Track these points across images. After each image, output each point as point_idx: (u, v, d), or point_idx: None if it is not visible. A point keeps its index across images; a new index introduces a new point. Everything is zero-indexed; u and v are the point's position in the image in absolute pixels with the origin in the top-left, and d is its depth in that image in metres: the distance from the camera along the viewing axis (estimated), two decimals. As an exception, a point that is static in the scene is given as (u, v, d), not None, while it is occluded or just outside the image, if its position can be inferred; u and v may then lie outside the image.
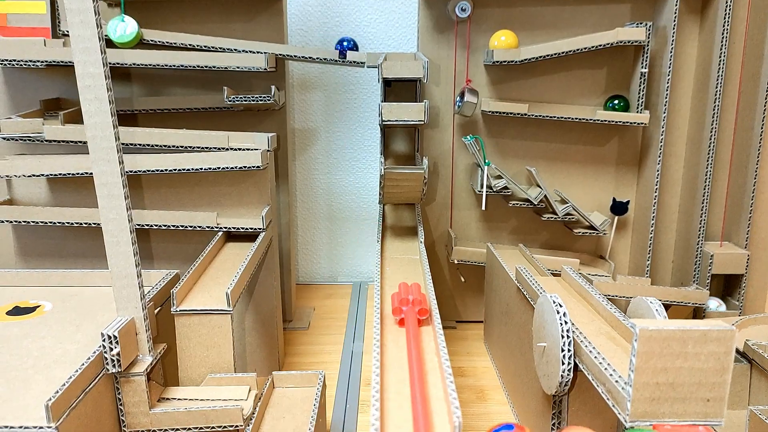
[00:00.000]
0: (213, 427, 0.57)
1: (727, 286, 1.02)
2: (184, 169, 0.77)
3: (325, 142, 1.21)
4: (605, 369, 0.46)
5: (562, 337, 0.51)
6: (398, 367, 0.45)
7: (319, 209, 1.24)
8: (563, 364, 0.51)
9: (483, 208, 0.95)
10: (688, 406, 0.42)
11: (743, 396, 0.78)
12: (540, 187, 0.95)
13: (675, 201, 1.00)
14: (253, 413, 0.58)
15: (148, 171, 0.76)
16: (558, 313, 0.52)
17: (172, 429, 0.57)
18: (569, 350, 0.51)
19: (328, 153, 1.21)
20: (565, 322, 0.52)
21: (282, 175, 0.98)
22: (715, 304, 0.98)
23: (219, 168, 0.76)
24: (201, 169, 0.76)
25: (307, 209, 1.24)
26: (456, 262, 0.99)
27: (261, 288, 0.83)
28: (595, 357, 0.48)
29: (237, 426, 0.57)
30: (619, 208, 0.99)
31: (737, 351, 0.80)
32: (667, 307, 0.98)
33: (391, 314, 0.53)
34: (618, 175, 1.01)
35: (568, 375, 0.52)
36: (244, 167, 0.76)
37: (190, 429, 0.57)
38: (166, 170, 0.76)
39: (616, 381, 0.44)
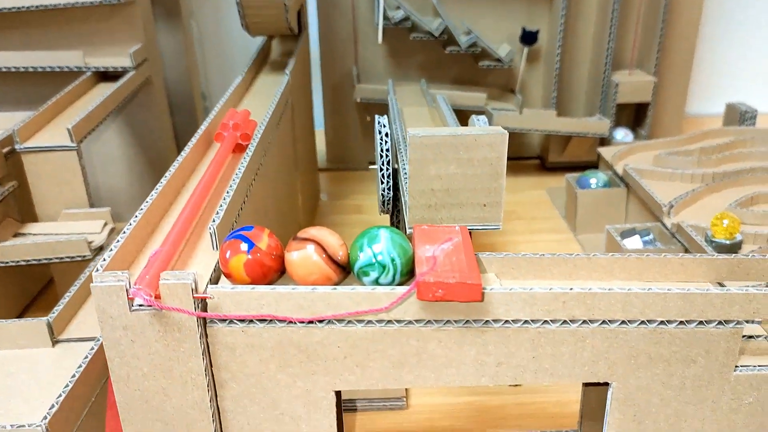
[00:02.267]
0: (62, 258, 0.59)
1: (637, 116, 1.01)
2: (42, 6, 0.73)
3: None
4: (406, 182, 0.46)
5: (381, 156, 0.51)
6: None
7: (236, 52, 1.19)
8: (381, 183, 0.52)
9: (379, 41, 0.91)
10: (465, 212, 0.43)
11: (620, 218, 0.80)
12: (442, 18, 0.91)
13: (590, 30, 0.96)
14: (106, 245, 0.60)
15: (5, 9, 0.73)
16: (379, 133, 0.52)
17: (24, 260, 0.59)
18: (387, 169, 0.51)
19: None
20: (386, 142, 0.51)
21: (171, 13, 0.93)
22: (621, 134, 0.98)
23: (78, 2, 0.72)
24: (60, 4, 0.73)
25: (223, 51, 1.19)
26: (359, 100, 0.97)
27: (144, 130, 0.82)
28: (405, 174, 0.48)
29: (85, 256, 0.59)
30: (528, 37, 0.95)
31: (617, 175, 0.80)
32: (570, 138, 0.98)
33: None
34: (530, 2, 0.96)
35: (388, 194, 0.52)
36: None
37: (40, 260, 0.59)
38: (24, 7, 0.73)
39: (406, 191, 0.44)
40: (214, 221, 0.38)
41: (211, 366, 0.36)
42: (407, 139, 0.41)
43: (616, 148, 0.84)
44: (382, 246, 0.35)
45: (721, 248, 0.58)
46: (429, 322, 0.35)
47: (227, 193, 0.42)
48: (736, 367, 0.37)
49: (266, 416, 0.37)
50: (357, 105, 1.01)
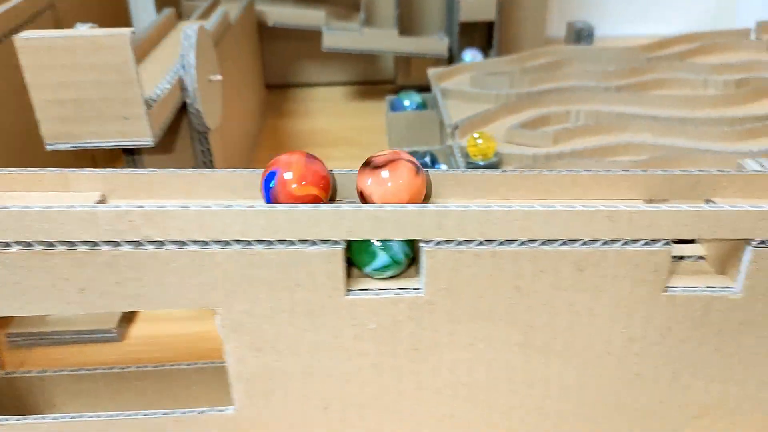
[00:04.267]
0: None
1: (490, 36, 0.95)
2: None
3: None
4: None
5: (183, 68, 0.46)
6: None
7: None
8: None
9: (195, -49, 0.84)
10: (106, 125, 0.38)
11: (434, 141, 0.76)
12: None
13: (438, -60, 0.90)
14: None
15: None
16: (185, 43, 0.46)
17: None
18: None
19: None
20: (189, 55, 0.46)
21: None
22: (470, 55, 0.93)
23: None
24: None
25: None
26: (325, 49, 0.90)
27: None
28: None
29: None
30: (367, -51, 0.88)
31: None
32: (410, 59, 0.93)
33: None
34: None
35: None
36: None
37: None
38: None
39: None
40: None
41: None
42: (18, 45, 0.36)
43: (440, 69, 0.79)
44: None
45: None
46: (-18, 244, 0.31)
47: None
48: (350, 290, 0.34)
49: None
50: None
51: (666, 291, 0.34)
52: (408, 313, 0.34)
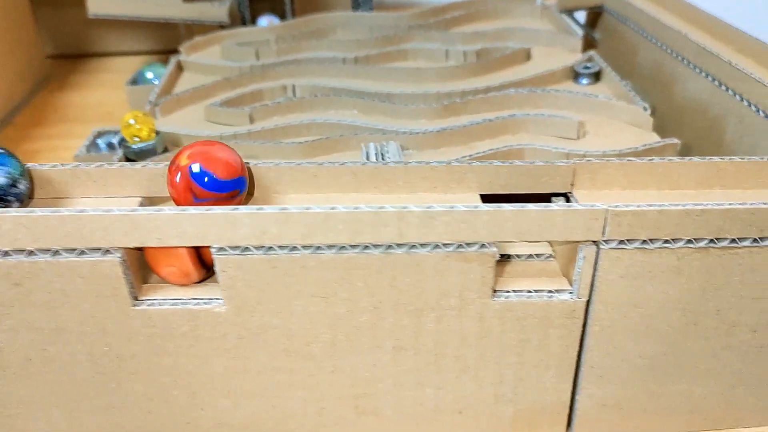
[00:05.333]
0: None
1: (291, 1, 0.89)
2: None
3: None
4: None
5: None
6: None
7: None
8: None
9: None
10: None
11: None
12: None
13: None
14: None
15: None
16: None
17: None
18: None
19: None
20: None
21: None
22: (265, 21, 0.87)
23: None
24: None
25: None
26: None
27: None
28: None
29: None
30: None
31: (176, 70, 0.70)
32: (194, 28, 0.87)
33: None
34: None
35: None
36: None
37: None
38: None
39: None
40: None
41: None
42: None
43: (198, 38, 0.73)
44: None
45: (132, 154, 0.49)
46: None
47: None
48: None
49: None
50: None
51: (137, 305, 0.30)
52: None
